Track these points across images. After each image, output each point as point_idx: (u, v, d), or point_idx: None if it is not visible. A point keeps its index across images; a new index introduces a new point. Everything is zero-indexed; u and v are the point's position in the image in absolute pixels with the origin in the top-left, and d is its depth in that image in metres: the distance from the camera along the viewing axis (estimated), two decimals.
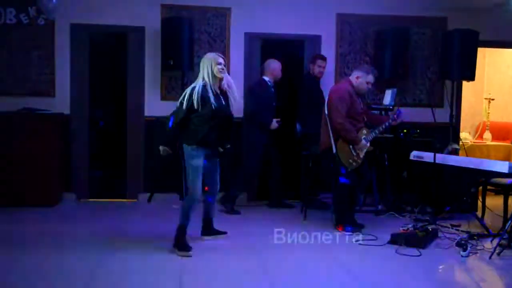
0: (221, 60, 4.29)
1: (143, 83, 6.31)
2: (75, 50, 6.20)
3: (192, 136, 4.24)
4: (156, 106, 6.25)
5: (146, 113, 6.32)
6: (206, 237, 4.62)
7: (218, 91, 4.29)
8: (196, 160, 4.25)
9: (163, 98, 6.26)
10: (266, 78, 5.93)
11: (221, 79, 4.29)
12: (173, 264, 3.96)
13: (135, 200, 6.36)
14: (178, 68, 5.97)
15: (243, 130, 6.09)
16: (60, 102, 6.16)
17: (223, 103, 4.29)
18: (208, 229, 4.66)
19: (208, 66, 4.24)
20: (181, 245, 4.22)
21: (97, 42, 6.57)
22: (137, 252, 4.24)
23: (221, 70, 4.26)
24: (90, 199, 6.35)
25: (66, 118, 6.17)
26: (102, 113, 7.06)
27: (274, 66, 5.91)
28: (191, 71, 6.11)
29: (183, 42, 5.88)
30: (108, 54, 6.98)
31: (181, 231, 4.27)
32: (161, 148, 4.35)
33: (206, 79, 4.23)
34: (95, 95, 6.47)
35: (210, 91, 4.20)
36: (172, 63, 5.87)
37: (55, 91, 6.17)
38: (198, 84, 4.23)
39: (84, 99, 6.32)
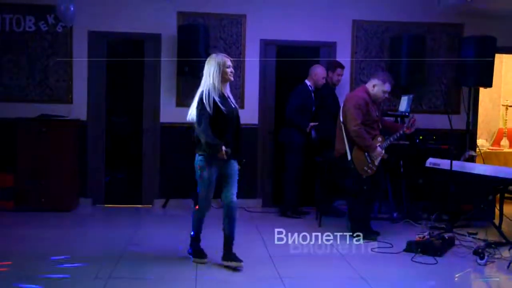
0: (230, 63, 4.07)
1: (159, 90, 6.36)
2: (93, 57, 6.28)
3: (204, 145, 3.99)
4: (171, 112, 6.29)
5: (162, 119, 6.36)
6: (224, 262, 4.09)
7: (226, 94, 4.11)
8: (208, 172, 4.01)
9: (178, 104, 6.29)
10: (308, 83, 6.00)
11: (229, 82, 4.10)
12: (188, 271, 3.97)
13: (150, 205, 6.40)
14: (194, 75, 5.99)
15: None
16: (77, 108, 6.23)
17: (233, 106, 4.11)
18: (225, 253, 4.11)
19: (216, 68, 3.99)
20: (195, 252, 4.21)
21: (114, 49, 6.63)
22: (152, 258, 4.26)
23: (231, 73, 4.06)
24: (106, 205, 6.40)
25: (83, 124, 6.24)
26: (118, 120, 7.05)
27: (315, 71, 5.98)
28: None
29: (199, 49, 5.92)
30: (125, 60, 7.03)
31: (195, 239, 4.24)
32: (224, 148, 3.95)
33: (215, 82, 3.99)
34: (112, 101, 6.54)
35: (218, 94, 3.98)
36: (187, 69, 5.92)
37: (73, 97, 6.25)
38: (205, 88, 4.00)
39: (101, 105, 6.40)
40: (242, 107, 6.35)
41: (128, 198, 6.59)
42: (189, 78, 6.15)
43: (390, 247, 4.69)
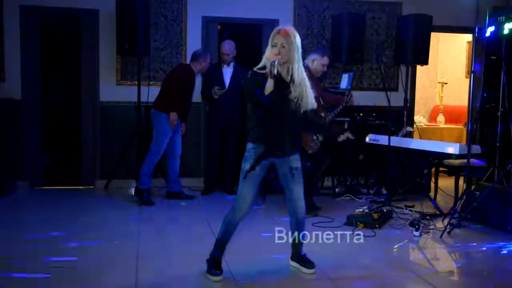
0: (277, 39, 3.26)
1: (97, 68, 6.16)
2: (26, 33, 5.98)
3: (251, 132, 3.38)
4: (111, 90, 6.14)
5: (102, 98, 6.18)
6: (291, 263, 3.72)
7: (277, 76, 3.24)
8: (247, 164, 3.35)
9: (118, 82, 6.14)
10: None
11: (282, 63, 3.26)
12: (130, 253, 3.91)
13: (92, 187, 6.25)
14: (134, 52, 5.87)
15: None
16: (11, 87, 5.94)
17: (282, 92, 3.28)
18: (294, 254, 3.72)
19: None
20: (210, 264, 3.43)
21: (49, 25, 6.37)
22: (93, 240, 4.17)
23: (275, 51, 3.23)
24: (45, 187, 6.20)
25: (17, 103, 5.97)
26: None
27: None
28: (147, 55, 6.04)
29: (139, 25, 5.76)
30: (61, 37, 6.78)
31: (216, 247, 3.46)
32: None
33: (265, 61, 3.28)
34: (47, 79, 6.30)
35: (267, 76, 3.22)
36: (127, 47, 5.76)
37: (5, 75, 5.96)
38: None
39: (35, 83, 6.14)
40: None
41: (68, 179, 6.42)
42: (129, 55, 6.01)
43: (331, 221, 4.81)
